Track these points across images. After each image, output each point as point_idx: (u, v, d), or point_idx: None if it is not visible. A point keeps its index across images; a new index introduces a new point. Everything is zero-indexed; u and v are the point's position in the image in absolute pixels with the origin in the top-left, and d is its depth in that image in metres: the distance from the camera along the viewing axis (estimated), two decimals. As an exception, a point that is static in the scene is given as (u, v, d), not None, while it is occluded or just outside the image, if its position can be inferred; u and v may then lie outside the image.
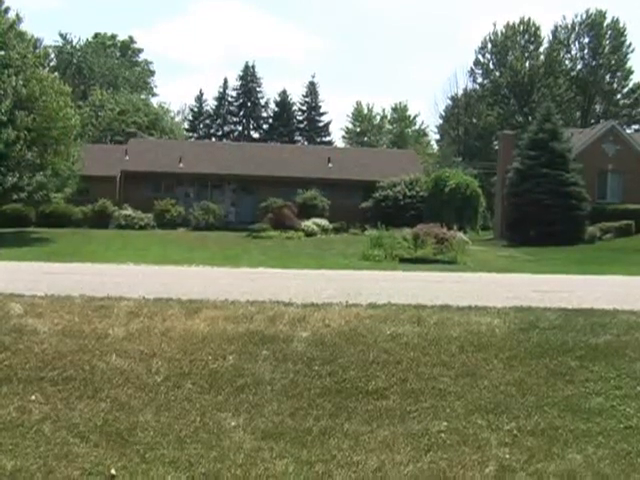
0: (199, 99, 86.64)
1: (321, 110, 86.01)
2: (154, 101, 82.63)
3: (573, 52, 74.29)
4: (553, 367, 8.28)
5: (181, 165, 46.05)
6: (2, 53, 31.82)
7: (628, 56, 72.01)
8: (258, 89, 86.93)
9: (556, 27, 73.95)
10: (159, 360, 8.20)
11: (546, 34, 74.54)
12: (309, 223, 38.71)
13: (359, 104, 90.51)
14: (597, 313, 10.58)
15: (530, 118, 60.27)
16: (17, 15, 33.53)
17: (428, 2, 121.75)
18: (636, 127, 70.87)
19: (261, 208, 41.03)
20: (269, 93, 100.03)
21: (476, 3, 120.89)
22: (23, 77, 31.42)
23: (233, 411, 7.02)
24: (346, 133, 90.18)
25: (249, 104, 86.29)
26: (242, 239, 34.65)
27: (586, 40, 72.89)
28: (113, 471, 5.76)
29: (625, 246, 31.93)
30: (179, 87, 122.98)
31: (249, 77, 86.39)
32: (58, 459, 5.94)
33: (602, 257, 27.84)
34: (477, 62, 74.29)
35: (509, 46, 72.69)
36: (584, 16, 72.17)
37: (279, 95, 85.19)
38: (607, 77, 72.86)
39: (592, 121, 67.61)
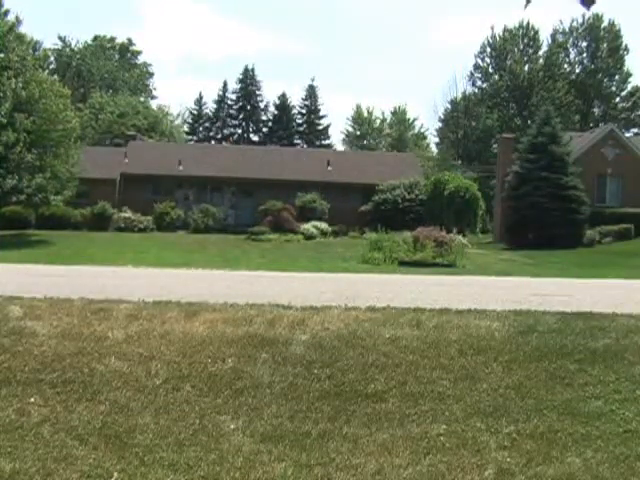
0: (199, 102, 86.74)
1: (320, 113, 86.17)
2: (153, 104, 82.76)
3: (572, 56, 74.50)
4: (552, 370, 8.28)
5: (180, 168, 46.08)
6: (2, 55, 31.87)
7: (625, 58, 72.21)
8: (257, 92, 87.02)
9: (555, 31, 74.20)
10: (158, 363, 8.20)
11: (545, 38, 74.80)
12: (308, 226, 38.73)
13: (359, 107, 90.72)
14: (596, 317, 10.59)
15: (529, 121, 60.31)
16: (17, 18, 33.66)
17: (426, 7, 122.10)
18: (635, 130, 70.97)
19: (260, 211, 41.08)
20: (268, 96, 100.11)
21: (474, 7, 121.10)
22: (22, 79, 31.47)
23: (232, 414, 7.02)
24: (346, 136, 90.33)
25: (248, 107, 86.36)
26: (241, 242, 34.67)
27: (584, 44, 73.08)
28: (115, 474, 5.76)
29: (624, 250, 31.94)
30: (179, 90, 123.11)
31: (248, 80, 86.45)
32: (57, 462, 5.94)
33: (601, 261, 27.84)
34: (476, 66, 74.45)
35: (508, 50, 72.82)
36: (581, 20, 72.41)
37: (278, 98, 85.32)
38: (605, 80, 73.00)
39: (591, 124, 67.70)
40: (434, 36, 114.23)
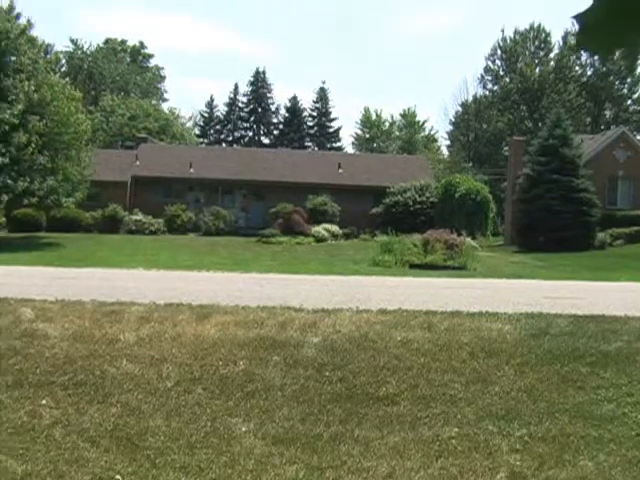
0: (210, 105, 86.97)
1: (331, 116, 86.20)
2: (164, 106, 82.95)
3: (583, 58, 74.26)
4: (564, 373, 8.24)
5: (191, 170, 46.19)
6: (14, 58, 32.03)
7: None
8: (268, 95, 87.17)
9: (566, 33, 73.94)
10: (170, 365, 8.21)
11: (556, 40, 74.57)
12: (319, 229, 38.73)
13: (367, 110, 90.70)
14: (608, 319, 10.55)
15: (540, 124, 60.12)
16: (28, 21, 33.79)
17: (435, 9, 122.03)
18: (647, 133, 70.73)
19: (271, 213, 41.11)
20: (279, 99, 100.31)
21: (487, 10, 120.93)
22: (34, 82, 31.61)
23: (244, 416, 7.02)
24: (355, 139, 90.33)
25: (259, 110, 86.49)
26: (252, 244, 34.70)
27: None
28: (118, 477, 5.76)
29: (636, 252, 31.80)
30: (190, 93, 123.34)
31: (259, 83, 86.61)
32: (68, 464, 5.95)
33: (612, 263, 27.73)
34: (487, 68, 74.34)
35: (519, 52, 72.68)
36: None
37: (289, 101, 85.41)
38: (617, 83, 72.75)
39: (602, 127, 67.45)
40: (444, 40, 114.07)
